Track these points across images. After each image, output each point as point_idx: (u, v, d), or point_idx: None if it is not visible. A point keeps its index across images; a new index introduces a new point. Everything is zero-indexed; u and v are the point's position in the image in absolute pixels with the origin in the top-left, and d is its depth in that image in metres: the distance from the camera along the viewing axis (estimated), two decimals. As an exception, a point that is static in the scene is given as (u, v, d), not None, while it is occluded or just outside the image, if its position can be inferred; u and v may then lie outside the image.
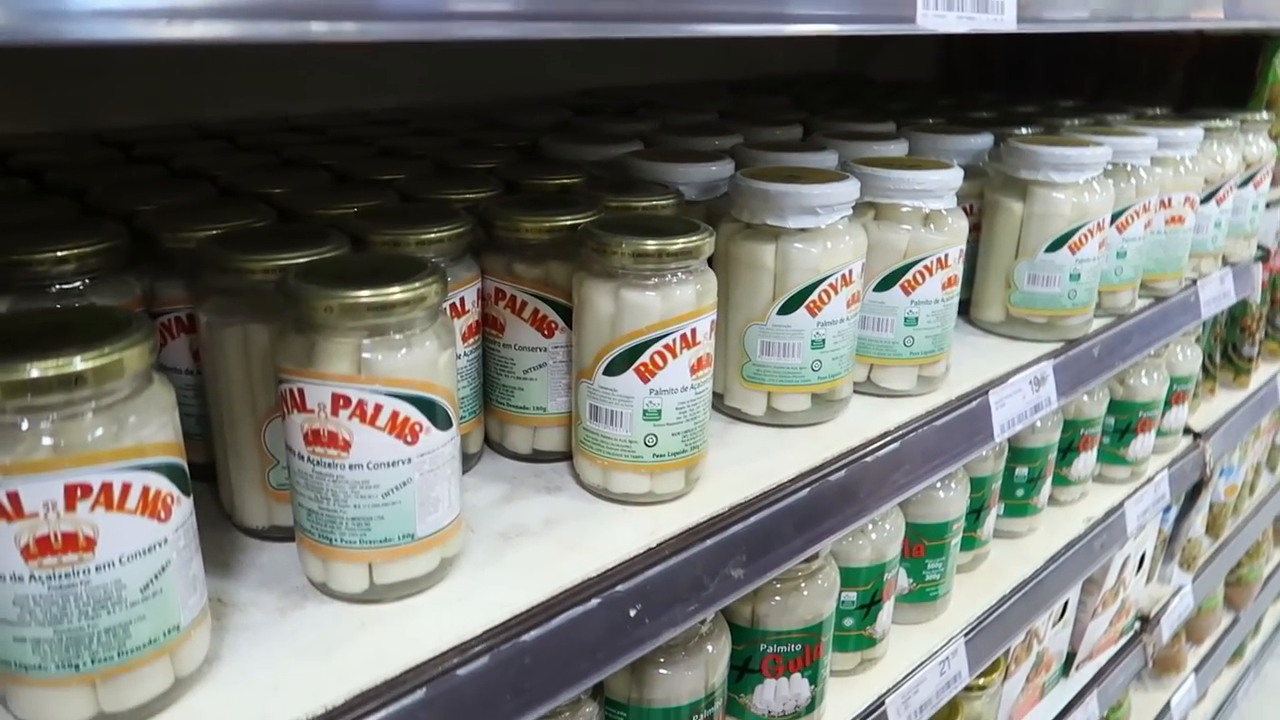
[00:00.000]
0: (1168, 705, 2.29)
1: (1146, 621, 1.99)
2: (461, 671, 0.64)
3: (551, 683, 0.69)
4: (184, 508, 0.57)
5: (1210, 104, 1.73)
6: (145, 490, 0.53)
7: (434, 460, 0.67)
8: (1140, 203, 1.28)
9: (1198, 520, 2.14)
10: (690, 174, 1.02)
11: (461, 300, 0.82)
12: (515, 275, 0.84)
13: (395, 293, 0.63)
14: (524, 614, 0.68)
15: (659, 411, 0.79)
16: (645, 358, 0.77)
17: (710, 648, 0.92)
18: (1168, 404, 1.67)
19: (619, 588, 0.73)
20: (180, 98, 1.37)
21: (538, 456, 0.90)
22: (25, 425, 0.50)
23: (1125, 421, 1.60)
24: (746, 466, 0.89)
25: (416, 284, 0.63)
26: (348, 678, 0.61)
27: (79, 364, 0.50)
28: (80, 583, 0.52)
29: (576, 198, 0.91)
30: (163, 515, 0.55)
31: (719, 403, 0.99)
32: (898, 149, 1.21)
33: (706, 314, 0.79)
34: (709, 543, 0.80)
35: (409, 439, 0.65)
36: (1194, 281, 1.51)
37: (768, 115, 1.42)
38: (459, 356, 0.82)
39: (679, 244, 0.76)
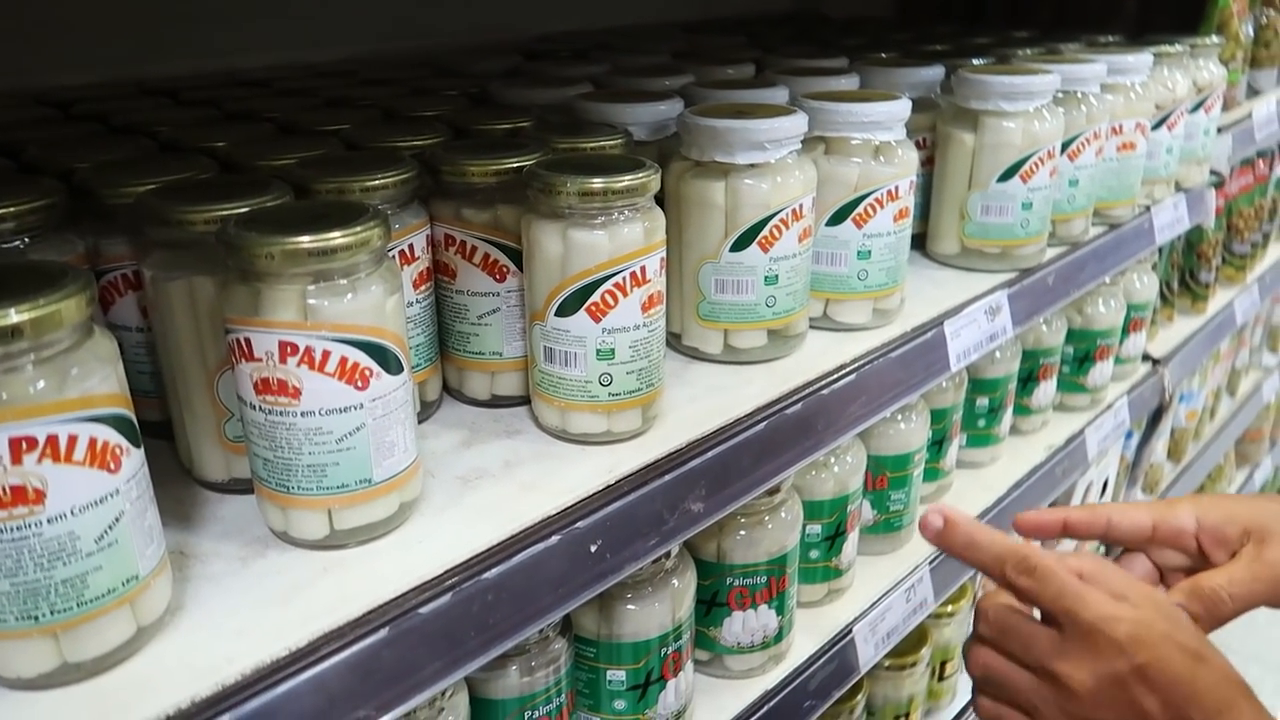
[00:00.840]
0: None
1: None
2: (424, 610, 0.65)
3: (515, 618, 0.70)
4: (134, 459, 0.57)
5: (1164, 31, 1.73)
6: (93, 442, 0.53)
7: (387, 405, 0.67)
8: (1091, 130, 1.29)
9: (1159, 445, 2.19)
10: (639, 114, 1.02)
11: (410, 247, 0.81)
12: (464, 220, 0.84)
13: (337, 237, 0.62)
14: (485, 553, 0.69)
15: (612, 350, 0.80)
16: (596, 297, 0.78)
17: (676, 582, 0.93)
18: (1125, 331, 1.70)
19: (579, 524, 0.74)
20: (123, 55, 1.34)
21: (496, 401, 0.90)
22: (-37, 380, 0.50)
23: (1084, 350, 1.62)
24: (704, 403, 0.90)
25: (358, 228, 0.63)
26: (310, 620, 0.62)
27: (14, 316, 0.50)
28: (33, 535, 0.52)
29: (524, 141, 0.91)
30: (113, 466, 0.55)
31: (676, 342, 1.00)
32: (849, 83, 1.20)
33: (655, 251, 0.80)
34: (667, 478, 0.81)
35: (360, 384, 0.65)
36: (1147, 208, 1.52)
37: (721, 54, 1.41)
38: (411, 304, 0.82)
39: (625, 182, 0.76)
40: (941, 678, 1.55)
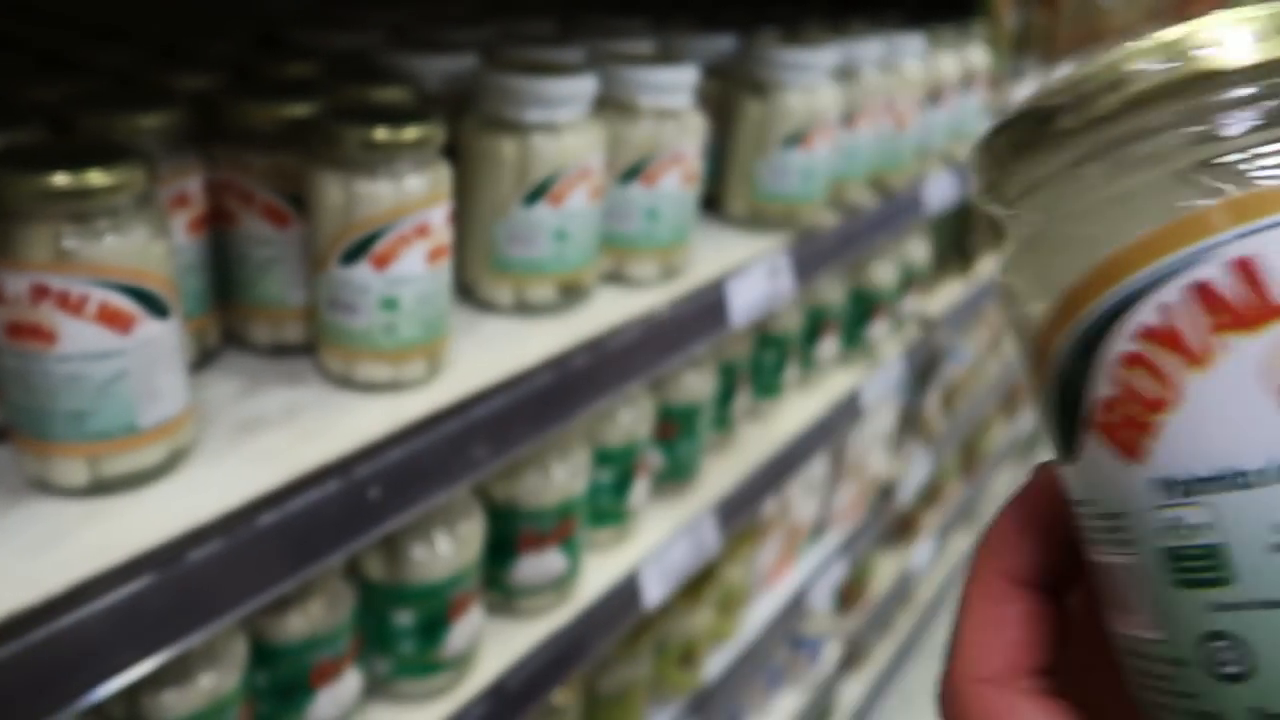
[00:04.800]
0: (910, 565, 2.58)
1: (889, 490, 2.23)
2: (194, 555, 0.65)
3: (291, 563, 0.71)
4: None
5: (945, 16, 1.87)
6: None
7: (153, 350, 0.66)
8: (867, 104, 1.39)
9: (933, 398, 2.40)
10: (433, 65, 1.02)
11: (185, 190, 0.79)
12: (244, 165, 0.83)
13: (96, 177, 0.61)
14: (259, 498, 0.70)
15: (396, 300, 0.81)
16: (379, 247, 0.79)
17: (463, 527, 0.96)
18: (901, 293, 1.85)
19: (358, 470, 0.76)
20: None
21: (281, 350, 0.90)
22: None
23: (863, 309, 1.75)
24: (493, 354, 0.93)
25: (120, 168, 0.62)
26: (69, 567, 0.61)
27: None
28: None
29: (312, 87, 0.89)
30: None
31: (469, 294, 1.02)
32: (646, 47, 1.25)
33: (441, 204, 0.81)
34: (452, 425, 0.83)
35: (122, 329, 0.64)
36: (920, 180, 1.66)
37: (525, 9, 1.42)
38: (186, 249, 0.80)
39: (409, 133, 0.77)
40: (728, 614, 1.66)
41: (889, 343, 1.87)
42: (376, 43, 1.08)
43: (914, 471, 2.31)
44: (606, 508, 1.21)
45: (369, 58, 1.05)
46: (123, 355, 0.64)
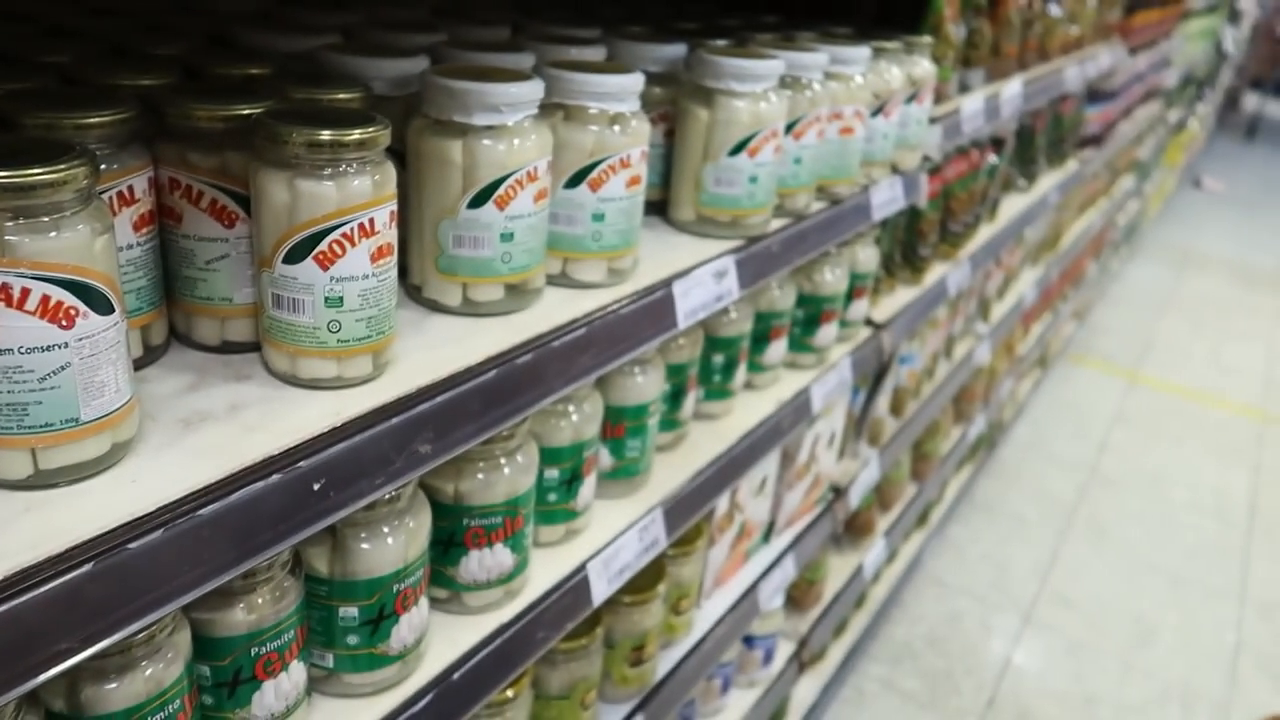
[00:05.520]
0: (861, 566, 2.63)
1: (839, 492, 2.27)
2: (133, 545, 0.66)
3: (233, 553, 0.73)
4: None
5: (898, 28, 1.91)
6: None
7: (95, 345, 0.67)
8: (813, 113, 1.42)
9: (882, 402, 2.44)
10: (382, 68, 1.03)
11: (130, 188, 0.80)
12: (191, 165, 0.84)
13: (37, 174, 0.62)
14: (201, 490, 0.71)
15: (340, 298, 0.83)
16: (324, 246, 0.80)
17: (410, 522, 0.98)
18: (850, 298, 1.89)
19: (301, 464, 0.77)
20: None
21: (227, 347, 0.91)
22: None
23: (812, 313, 1.79)
24: (439, 352, 0.95)
25: (62, 166, 0.63)
26: (8, 557, 0.62)
27: None
28: None
29: (260, 88, 0.91)
30: None
31: (417, 294, 1.04)
32: (596, 54, 1.27)
33: (385, 204, 0.83)
34: (395, 421, 0.85)
35: (64, 323, 0.65)
36: (866, 187, 1.70)
37: (480, 14, 1.44)
38: (131, 246, 0.81)
39: (354, 135, 0.79)
40: (678, 613, 1.69)
41: (837, 346, 1.91)
42: (327, 46, 1.09)
43: (864, 474, 2.35)
44: (555, 505, 1.23)
45: (318, 60, 1.06)
46: (65, 349, 0.65)
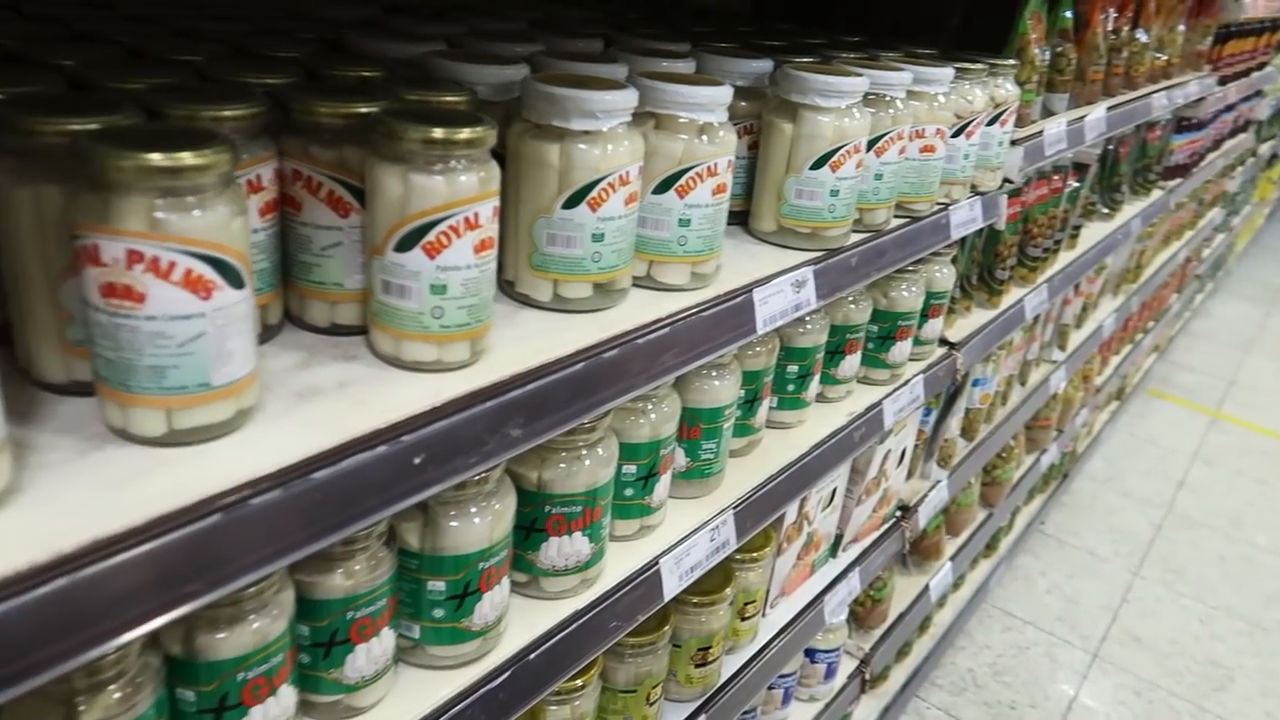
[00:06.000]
0: (926, 588, 2.61)
1: (907, 510, 2.26)
2: (254, 502, 0.72)
3: (340, 517, 0.78)
4: (-19, 343, 0.61)
5: (981, 49, 1.93)
6: (-57, 322, 0.58)
7: (228, 316, 0.73)
8: (895, 131, 1.45)
9: (954, 423, 2.43)
10: (485, 75, 1.09)
11: (258, 177, 0.87)
12: (311, 157, 0.90)
13: (187, 158, 0.68)
14: (315, 457, 0.77)
15: (445, 286, 0.88)
16: (431, 236, 0.86)
17: (496, 504, 1.03)
18: (925, 316, 1.90)
19: (404, 439, 0.82)
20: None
21: (336, 330, 0.97)
22: None
23: (886, 329, 1.80)
24: (530, 343, 1.00)
25: (207, 151, 0.69)
26: (145, 505, 0.68)
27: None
28: (-121, 404, 0.56)
29: (374, 89, 0.97)
30: (-40, 347, 0.59)
31: (510, 289, 1.09)
32: (686, 67, 1.32)
33: (489, 199, 0.88)
34: (490, 404, 0.90)
35: (203, 294, 0.71)
36: (945, 206, 1.71)
37: (574, 27, 1.50)
38: (256, 231, 0.88)
39: (464, 134, 0.85)
40: (744, 618, 1.71)
41: (911, 364, 1.92)
42: (434, 52, 1.15)
43: (933, 495, 2.34)
44: (631, 500, 1.27)
45: (426, 66, 1.13)
46: (203, 318, 0.71)
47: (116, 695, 0.76)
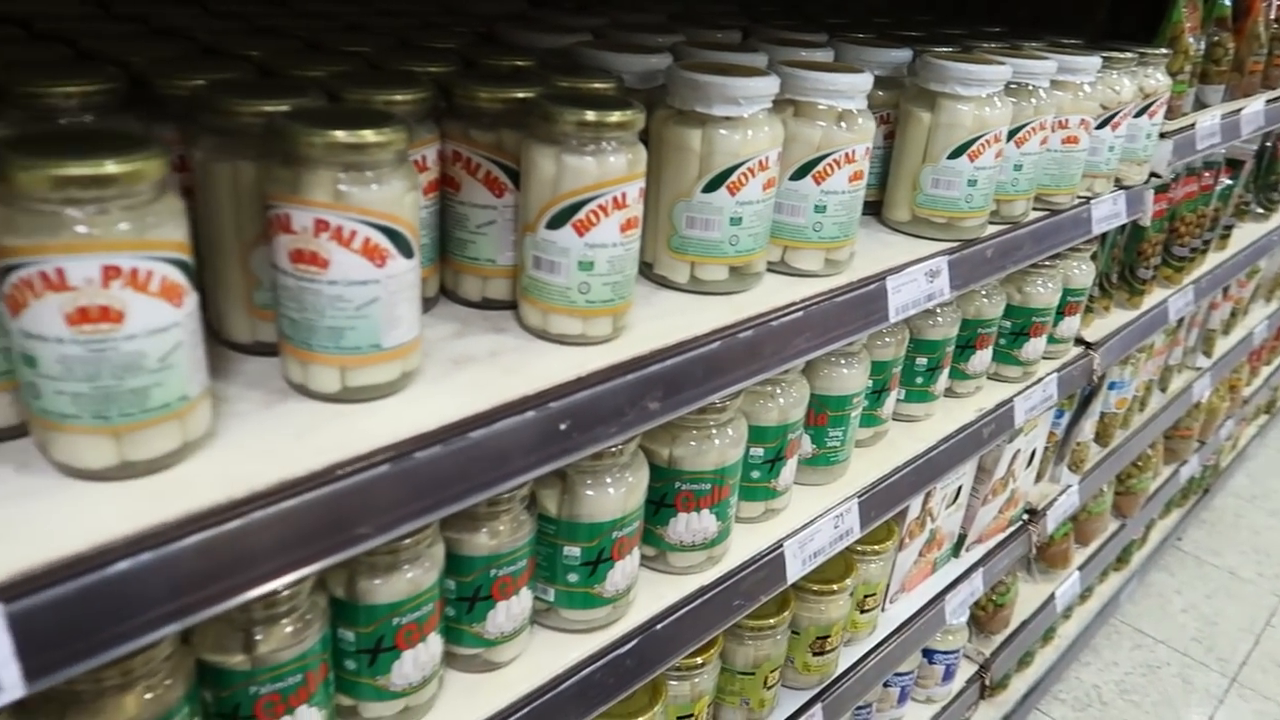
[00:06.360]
0: (1052, 597, 2.53)
1: (1034, 514, 2.21)
2: (418, 455, 0.78)
3: (492, 474, 0.83)
4: (192, 298, 0.69)
5: (1130, 39, 1.87)
6: (164, 279, 0.65)
7: (398, 283, 0.79)
8: (1037, 121, 1.42)
9: (1087, 426, 2.36)
10: (631, 63, 1.13)
11: (423, 158, 0.93)
12: (471, 140, 0.96)
13: (369, 135, 0.74)
14: (471, 417, 0.82)
15: (592, 263, 0.92)
16: (582, 215, 0.90)
17: (630, 476, 1.07)
18: (1060, 313, 1.85)
19: (551, 405, 0.87)
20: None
21: (487, 304, 1.02)
22: (67, 213, 0.61)
23: (1020, 325, 1.77)
24: (668, 322, 1.03)
25: (386, 130, 0.75)
26: (324, 452, 0.74)
27: (109, 167, 0.61)
28: (111, 348, 0.64)
29: (528, 76, 1.02)
30: (176, 301, 0.67)
31: (648, 271, 1.12)
32: (824, 56, 1.33)
33: (636, 181, 0.92)
34: (630, 377, 0.94)
35: (378, 262, 0.77)
36: (1087, 200, 1.67)
37: (712, 19, 1.53)
38: (421, 207, 0.94)
39: (615, 116, 0.88)
40: (863, 610, 1.71)
41: (1044, 362, 1.87)
42: (581, 43, 1.20)
43: (1063, 500, 2.28)
44: (757, 483, 1.29)
45: (574, 55, 1.17)
46: (377, 284, 0.77)
47: (289, 629, 0.83)
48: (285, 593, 0.82)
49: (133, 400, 0.66)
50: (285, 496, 0.70)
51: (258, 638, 0.82)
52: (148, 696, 0.76)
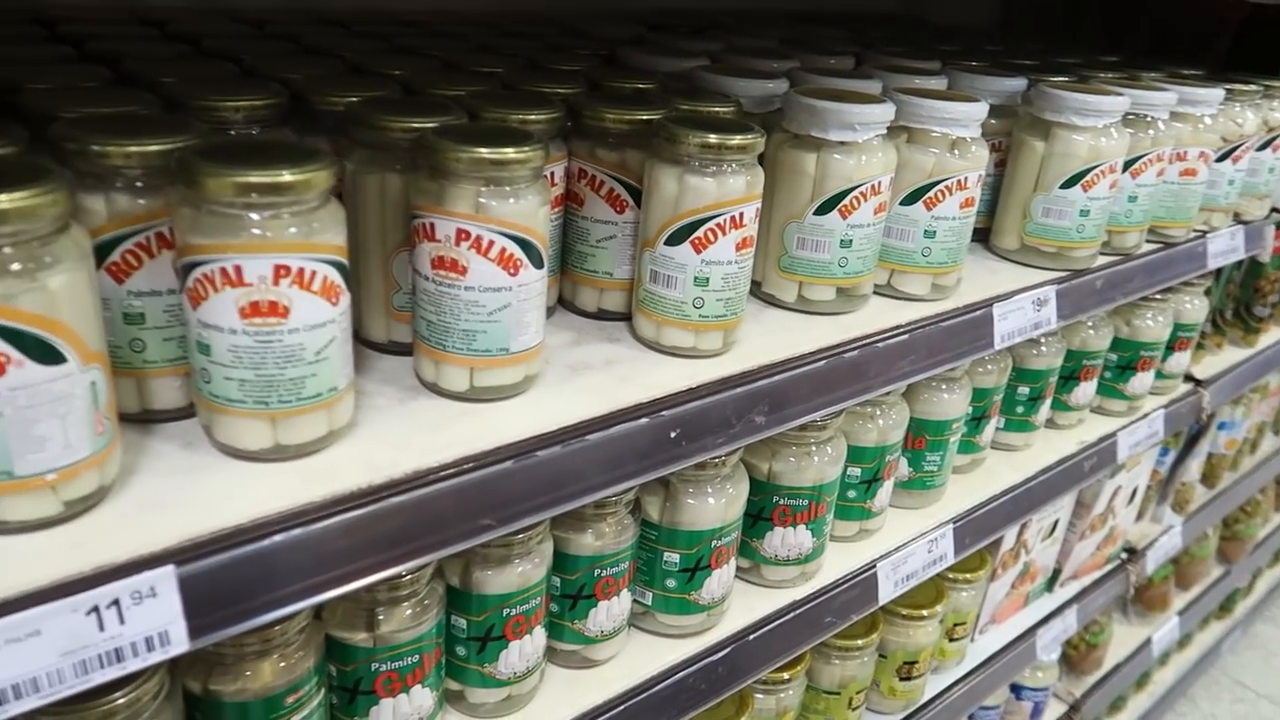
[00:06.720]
0: (1148, 641, 2.46)
1: (1133, 553, 2.15)
2: (539, 454, 0.82)
3: (606, 475, 0.87)
4: (346, 298, 0.75)
5: (1254, 71, 1.82)
6: (325, 278, 0.71)
7: (528, 291, 0.84)
8: (1155, 152, 1.41)
9: (1194, 466, 2.29)
10: (749, 88, 1.17)
11: (552, 174, 0.98)
12: (597, 158, 1.01)
13: (509, 153, 0.79)
14: (589, 420, 0.86)
15: (707, 279, 0.96)
16: (700, 233, 0.94)
17: (730, 488, 1.10)
18: (1170, 348, 1.81)
19: (664, 413, 0.91)
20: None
21: (602, 314, 1.07)
22: (248, 216, 0.68)
23: (1127, 359, 1.74)
24: (775, 339, 1.06)
25: (525, 148, 0.80)
26: (453, 445, 0.80)
27: (285, 176, 0.68)
28: (276, 340, 0.70)
29: (651, 99, 1.07)
30: (334, 300, 0.73)
31: (757, 289, 1.16)
32: (937, 83, 1.34)
33: (753, 202, 0.95)
34: (738, 390, 0.97)
35: (512, 270, 0.82)
36: (1204, 234, 1.63)
37: (825, 45, 1.55)
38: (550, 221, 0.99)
39: (736, 140, 0.92)
40: (952, 639, 1.70)
41: (1151, 397, 1.83)
42: (700, 67, 1.25)
43: (1164, 540, 2.21)
44: (853, 503, 1.31)
45: (693, 78, 1.22)
46: (509, 291, 0.82)
47: (408, 612, 0.89)
48: (407, 577, 0.88)
49: (290, 389, 0.72)
50: (419, 485, 0.76)
51: (380, 618, 0.88)
52: (282, 664, 0.82)
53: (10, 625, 0.58)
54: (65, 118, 0.75)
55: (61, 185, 0.60)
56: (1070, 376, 1.66)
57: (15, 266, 0.59)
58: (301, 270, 0.70)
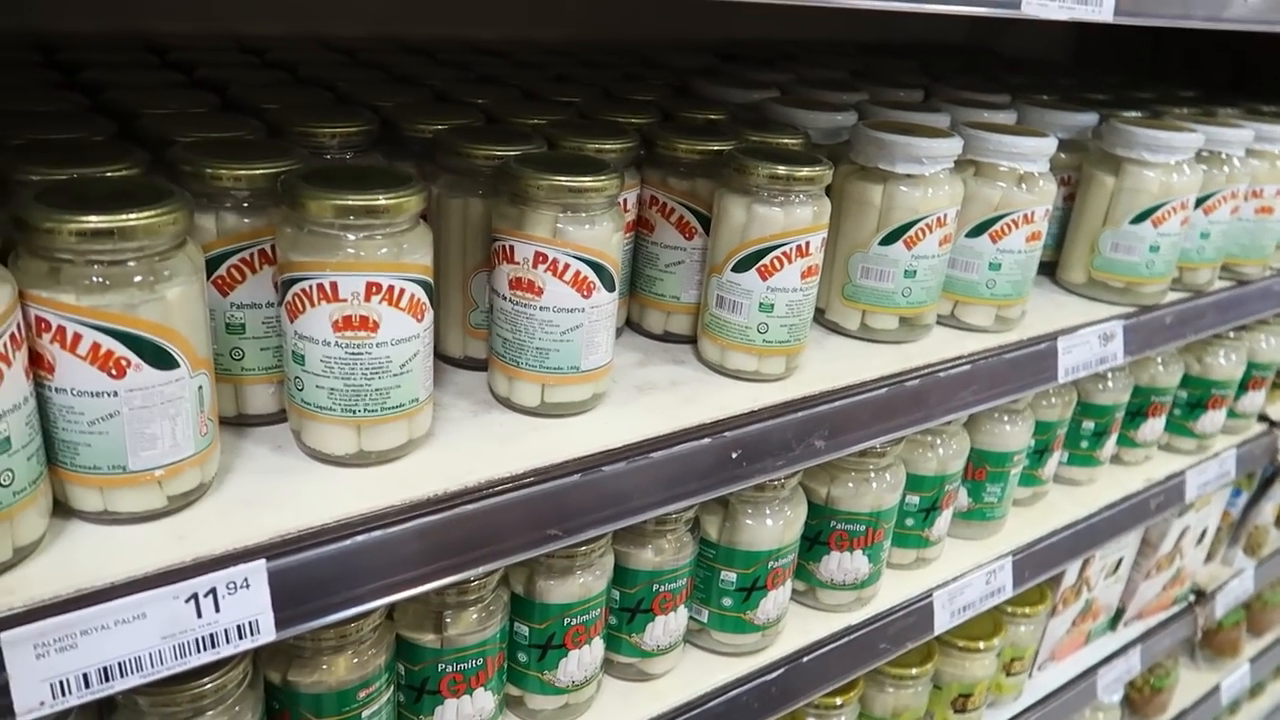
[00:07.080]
0: (1217, 688, 2.39)
1: (1202, 595, 2.10)
2: (606, 469, 0.86)
3: (669, 493, 0.90)
4: (430, 315, 0.79)
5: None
6: (412, 296, 0.76)
7: (600, 313, 0.88)
8: (1229, 189, 1.40)
9: (1268, 509, 2.23)
10: (818, 120, 1.20)
11: (625, 201, 1.02)
12: (668, 186, 1.04)
13: (587, 181, 0.83)
14: (654, 438, 0.90)
15: (772, 305, 0.99)
16: (766, 260, 0.97)
17: (788, 510, 1.12)
18: (1244, 387, 1.78)
19: (726, 434, 0.94)
20: (386, 15, 1.61)
21: (668, 337, 1.10)
22: (344, 237, 0.73)
23: (1197, 396, 1.71)
24: (837, 365, 1.08)
25: (602, 177, 0.84)
26: (524, 457, 0.83)
27: (381, 200, 0.73)
28: (365, 353, 0.75)
29: (722, 129, 1.10)
30: (419, 317, 0.77)
31: (820, 316, 1.18)
32: (1006, 118, 1.35)
33: (819, 232, 0.98)
34: (800, 415, 0.99)
35: (585, 293, 0.86)
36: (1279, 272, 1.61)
37: (893, 77, 1.58)
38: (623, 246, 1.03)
39: (804, 171, 0.95)
40: (1009, 674, 1.68)
41: (1222, 437, 1.80)
42: (769, 99, 1.28)
43: (1235, 584, 2.16)
44: (911, 530, 1.32)
45: (763, 109, 1.25)
46: (582, 313, 0.86)
47: (474, 616, 0.93)
48: (475, 583, 0.91)
49: (376, 398, 0.77)
50: (489, 494, 0.80)
51: (448, 621, 0.92)
52: (355, 661, 0.86)
53: (121, 607, 0.63)
54: (181, 142, 0.81)
55: (183, 205, 0.66)
56: (1138, 413, 1.65)
57: (137, 278, 0.64)
58: (391, 288, 0.74)
